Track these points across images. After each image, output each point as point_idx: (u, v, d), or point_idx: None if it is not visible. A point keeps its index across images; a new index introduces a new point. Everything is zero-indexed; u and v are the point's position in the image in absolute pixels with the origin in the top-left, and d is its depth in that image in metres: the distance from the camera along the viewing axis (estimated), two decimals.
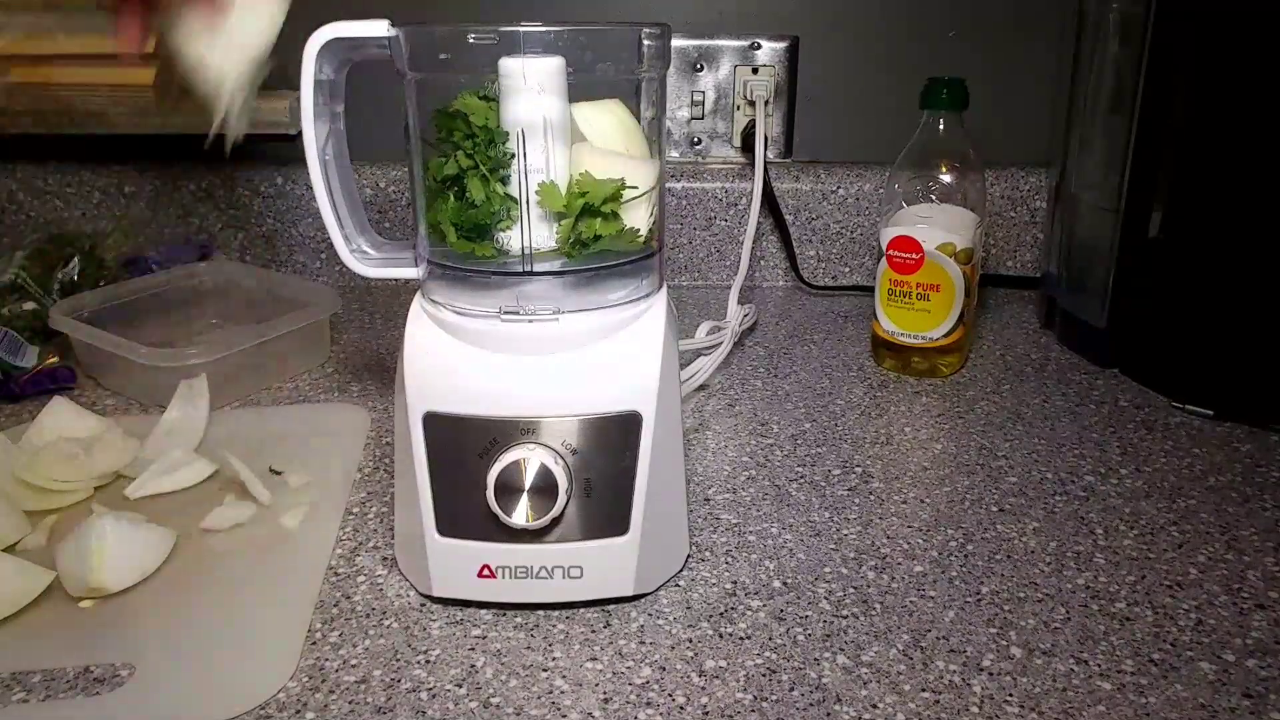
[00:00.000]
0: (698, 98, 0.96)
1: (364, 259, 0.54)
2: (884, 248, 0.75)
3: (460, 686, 0.44)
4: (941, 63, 0.92)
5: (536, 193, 0.46)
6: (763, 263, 0.98)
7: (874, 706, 0.43)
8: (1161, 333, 0.74)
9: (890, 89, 0.94)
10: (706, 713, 0.42)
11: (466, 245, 0.48)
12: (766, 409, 0.71)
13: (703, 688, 0.44)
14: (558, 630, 0.48)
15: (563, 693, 0.43)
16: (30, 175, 0.96)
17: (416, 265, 0.52)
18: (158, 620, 0.48)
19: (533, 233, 0.47)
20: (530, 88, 0.45)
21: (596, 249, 0.47)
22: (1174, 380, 0.73)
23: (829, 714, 0.42)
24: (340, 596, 0.50)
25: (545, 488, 0.46)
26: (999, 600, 0.50)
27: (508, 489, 0.46)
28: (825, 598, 0.50)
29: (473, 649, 0.46)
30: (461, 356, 0.47)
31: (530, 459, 0.46)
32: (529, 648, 0.46)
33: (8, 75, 0.90)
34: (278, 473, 0.61)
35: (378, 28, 0.48)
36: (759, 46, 0.93)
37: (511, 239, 0.48)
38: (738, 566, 0.53)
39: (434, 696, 0.43)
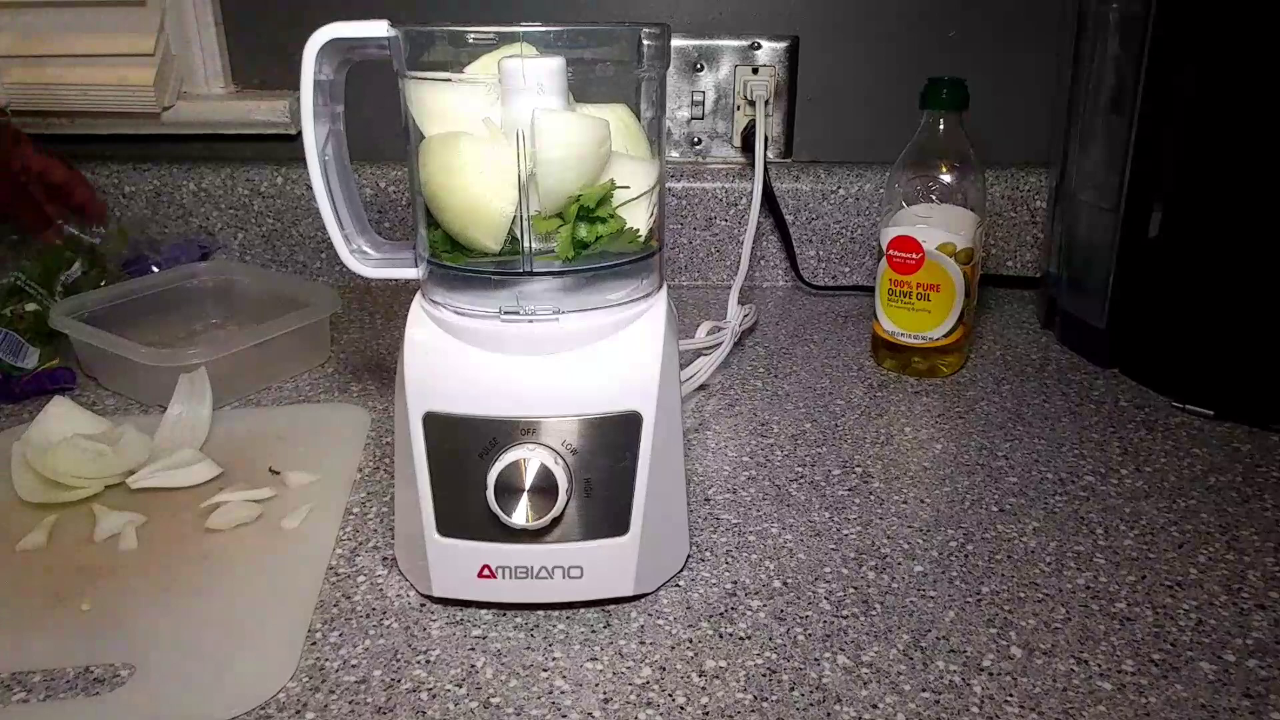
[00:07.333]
0: (698, 98, 0.96)
1: (364, 259, 0.54)
2: (884, 248, 0.75)
3: (460, 687, 0.44)
4: (941, 63, 0.92)
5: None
6: (763, 263, 0.98)
7: (874, 706, 0.43)
8: (1161, 333, 0.74)
9: (890, 89, 0.94)
10: (706, 713, 0.42)
11: (462, 258, 0.48)
12: (766, 409, 0.71)
13: (703, 688, 0.44)
14: (558, 630, 0.48)
15: (563, 693, 0.43)
16: None
17: (416, 265, 0.52)
18: (158, 620, 0.48)
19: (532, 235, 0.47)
20: (530, 88, 0.45)
21: (596, 249, 0.47)
22: (1174, 380, 0.73)
23: (829, 714, 0.42)
24: (340, 596, 0.50)
25: (545, 488, 0.46)
26: (999, 600, 0.50)
27: (508, 489, 0.46)
28: (825, 598, 0.50)
29: (473, 649, 0.46)
30: (461, 356, 0.47)
31: (530, 459, 0.46)
32: (529, 648, 0.46)
33: (8, 75, 0.90)
34: (277, 473, 0.61)
35: (377, 28, 0.48)
36: (759, 46, 0.93)
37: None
38: (738, 566, 0.53)
39: (434, 696, 0.43)
